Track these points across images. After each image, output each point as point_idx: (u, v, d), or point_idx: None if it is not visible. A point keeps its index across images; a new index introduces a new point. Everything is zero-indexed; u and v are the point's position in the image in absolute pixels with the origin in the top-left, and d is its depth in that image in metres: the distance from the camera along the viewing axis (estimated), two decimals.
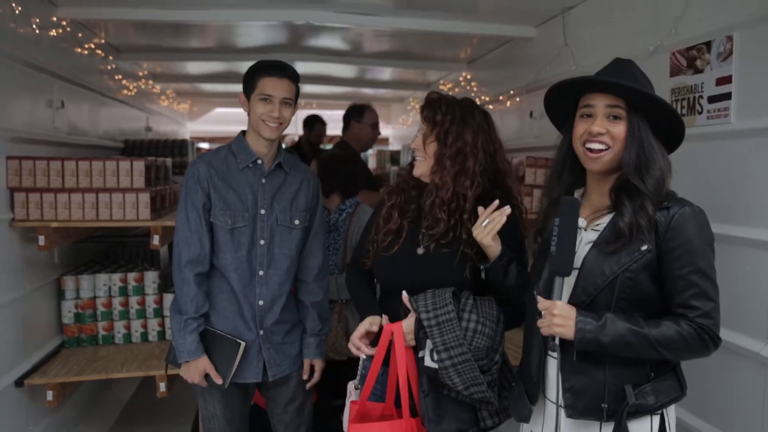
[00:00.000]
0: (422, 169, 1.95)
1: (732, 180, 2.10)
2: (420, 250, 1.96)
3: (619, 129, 1.57)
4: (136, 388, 4.21)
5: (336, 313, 2.94)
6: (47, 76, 3.17)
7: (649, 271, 1.52)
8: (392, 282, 1.97)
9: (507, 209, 1.78)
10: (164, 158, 3.35)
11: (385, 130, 8.77)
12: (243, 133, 2.32)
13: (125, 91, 4.82)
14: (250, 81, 2.22)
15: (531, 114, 3.69)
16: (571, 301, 1.55)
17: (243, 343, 2.23)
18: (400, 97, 7.56)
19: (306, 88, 6.19)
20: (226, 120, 8.25)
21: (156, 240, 2.85)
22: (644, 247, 1.51)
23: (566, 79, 1.69)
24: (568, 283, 1.58)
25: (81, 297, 3.24)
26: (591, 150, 1.58)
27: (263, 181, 2.27)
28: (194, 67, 5.63)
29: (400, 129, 8.20)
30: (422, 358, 1.83)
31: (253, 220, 2.26)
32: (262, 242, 2.27)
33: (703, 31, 2.21)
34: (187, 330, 2.20)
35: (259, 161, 2.26)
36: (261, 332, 2.29)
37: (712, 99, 2.16)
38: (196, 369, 2.22)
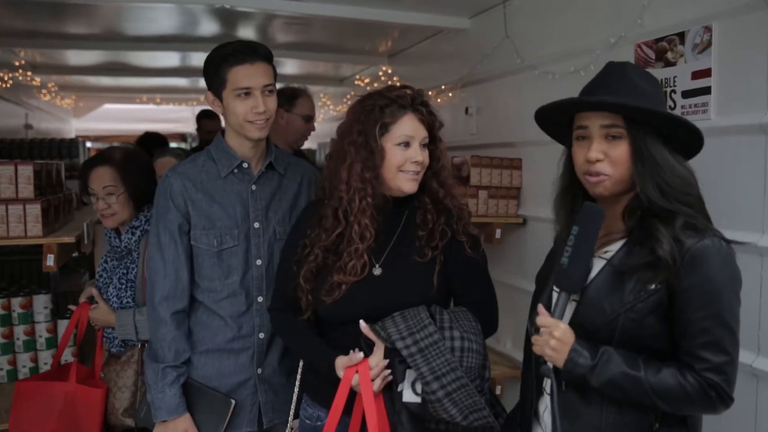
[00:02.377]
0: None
1: (712, 179, 1.95)
2: (377, 271, 1.68)
3: (620, 151, 1.36)
4: None
5: (133, 362, 2.20)
6: None
7: (659, 313, 1.31)
8: (345, 313, 1.65)
9: None
10: (55, 161, 2.84)
11: None
12: (222, 132, 1.94)
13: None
14: (216, 74, 1.83)
15: (467, 110, 3.49)
16: None
17: (234, 402, 1.86)
18: (311, 92, 7.20)
19: (202, 83, 5.64)
20: (117, 117, 7.55)
21: (50, 260, 2.37)
22: (652, 286, 1.31)
23: (550, 103, 1.45)
24: (568, 310, 1.39)
25: None
26: (590, 174, 1.39)
27: (253, 187, 1.90)
28: (78, 57, 5.01)
29: None
30: (401, 393, 1.55)
31: (246, 237, 1.88)
32: (259, 262, 1.89)
33: (674, 22, 2.08)
34: (166, 381, 1.81)
35: (246, 164, 1.89)
36: (259, 371, 1.91)
37: (688, 94, 2.03)
38: (176, 430, 1.82)
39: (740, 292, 1.32)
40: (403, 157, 1.64)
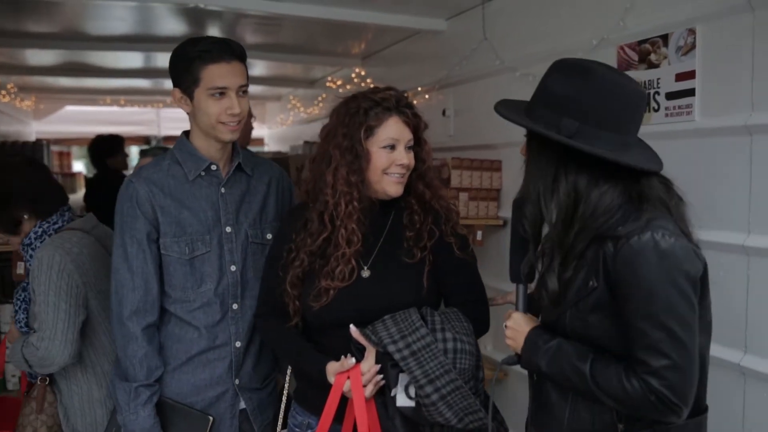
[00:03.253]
0: None
1: (697, 181, 1.98)
2: (365, 273, 1.65)
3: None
4: None
5: (35, 396, 1.98)
6: None
7: (603, 311, 1.27)
8: (334, 318, 1.62)
9: None
10: None
11: (260, 131, 8.29)
12: (186, 134, 1.85)
13: None
14: (187, 71, 1.73)
15: (444, 112, 3.48)
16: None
17: (212, 418, 1.78)
18: (278, 94, 7.12)
19: (166, 84, 5.49)
20: (79, 119, 7.33)
21: (20, 269, 2.26)
22: (590, 283, 1.28)
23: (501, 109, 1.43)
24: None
25: None
26: None
27: (222, 190, 1.82)
28: (38, 57, 4.82)
29: (278, 129, 7.74)
30: (394, 398, 1.52)
31: (219, 243, 1.79)
32: (233, 268, 1.81)
33: (657, 24, 2.09)
34: (139, 402, 1.71)
35: (214, 167, 1.81)
36: (237, 381, 1.83)
37: (672, 95, 2.04)
38: None
39: (690, 287, 1.22)
40: (388, 159, 1.62)
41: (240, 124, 1.78)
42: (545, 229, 1.37)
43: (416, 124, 1.66)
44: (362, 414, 1.53)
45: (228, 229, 1.81)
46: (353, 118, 1.62)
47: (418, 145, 1.68)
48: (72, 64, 4.97)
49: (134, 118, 7.58)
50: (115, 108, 7.15)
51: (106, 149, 4.66)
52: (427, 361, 1.48)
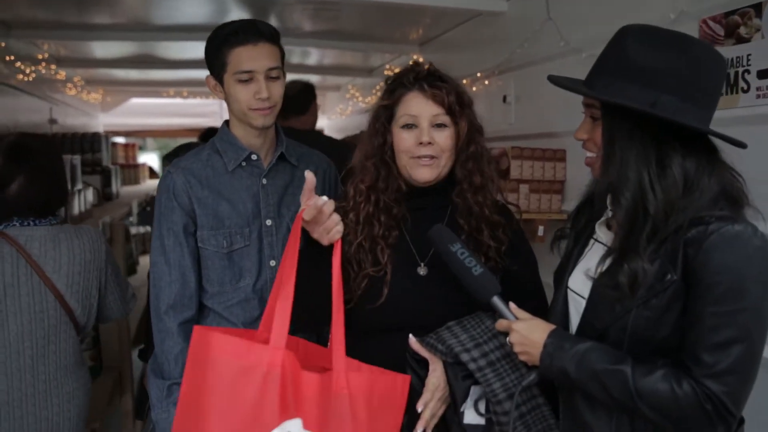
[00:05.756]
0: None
1: None
2: (422, 271, 1.49)
3: (599, 133, 1.22)
4: None
5: None
6: None
7: (677, 309, 1.11)
8: (384, 320, 1.46)
9: None
10: (70, 155, 2.70)
11: (320, 122, 8.23)
12: (227, 123, 1.77)
13: (21, 76, 4.06)
14: (216, 56, 1.67)
15: (504, 99, 3.27)
16: (578, 334, 1.25)
17: None
18: (337, 84, 7.03)
19: None
20: (144, 112, 7.46)
21: None
22: (668, 276, 1.10)
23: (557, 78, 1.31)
24: (577, 311, 1.26)
25: None
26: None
27: (264, 181, 1.73)
28: (104, 49, 4.90)
29: (337, 119, 7.66)
30: (462, 414, 1.35)
31: (258, 236, 1.71)
32: (272, 263, 1.71)
33: None
34: (172, 399, 1.65)
35: (254, 156, 1.72)
36: None
37: (765, 74, 1.78)
38: None
39: None
40: (409, 140, 1.45)
41: (273, 110, 1.69)
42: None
43: (445, 99, 1.46)
44: None
45: (268, 222, 1.72)
46: (380, 100, 1.50)
47: (454, 123, 1.48)
48: (137, 56, 5.03)
49: (197, 110, 7.63)
50: (178, 100, 7.22)
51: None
52: (508, 374, 1.31)
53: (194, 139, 3.83)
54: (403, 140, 1.47)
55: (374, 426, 1.22)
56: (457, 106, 1.47)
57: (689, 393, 1.07)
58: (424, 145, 1.44)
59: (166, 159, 2.49)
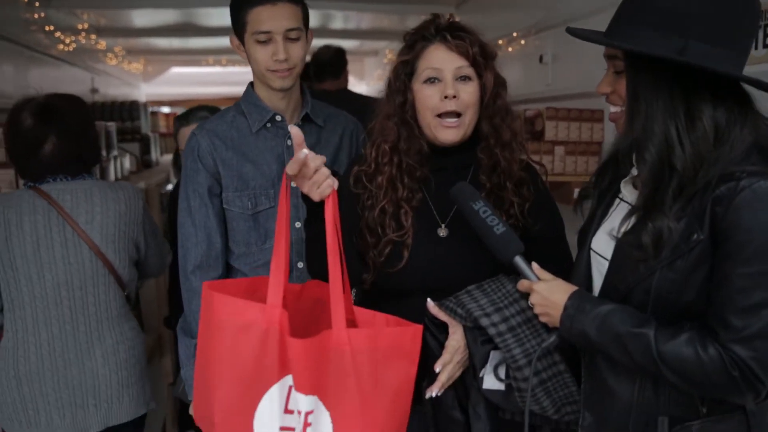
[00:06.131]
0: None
1: None
2: (442, 232, 1.45)
3: (623, 85, 1.13)
4: None
5: None
6: None
7: (704, 271, 1.05)
8: (402, 283, 1.43)
9: None
10: (105, 122, 2.74)
11: (359, 87, 8.19)
12: (252, 84, 1.75)
13: (62, 47, 4.14)
14: (237, 16, 1.64)
15: (541, 58, 3.17)
16: (600, 297, 1.18)
17: None
18: (375, 49, 6.97)
19: None
20: (184, 81, 7.55)
21: None
22: (694, 236, 1.04)
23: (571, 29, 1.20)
24: (600, 272, 1.19)
25: None
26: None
27: (289, 143, 1.70)
28: (143, 18, 4.95)
29: (376, 85, 7.61)
30: (480, 379, 1.33)
31: None
32: (298, 224, 1.68)
33: None
34: None
35: (279, 117, 1.70)
36: None
37: None
38: None
39: None
40: (433, 96, 1.38)
41: (292, 72, 1.65)
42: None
43: (469, 50, 1.39)
44: None
45: (293, 184, 1.70)
46: (399, 56, 1.43)
47: (479, 76, 1.41)
48: (177, 25, 5.07)
49: (236, 78, 7.66)
50: (217, 68, 7.28)
51: None
52: (528, 339, 1.27)
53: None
54: (427, 97, 1.40)
55: (382, 380, 1.19)
56: (482, 57, 1.41)
57: (715, 358, 1.01)
58: (449, 98, 1.38)
59: (177, 121, 2.49)
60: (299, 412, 1.16)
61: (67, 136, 1.85)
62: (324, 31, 5.61)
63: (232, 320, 1.16)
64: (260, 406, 1.16)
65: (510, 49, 3.53)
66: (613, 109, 1.20)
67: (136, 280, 2.00)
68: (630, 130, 1.11)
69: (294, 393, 1.16)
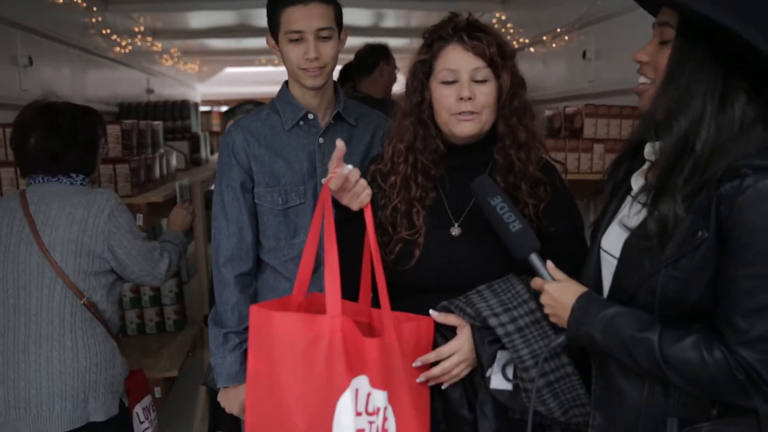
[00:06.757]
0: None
1: None
2: (455, 231, 1.45)
3: (664, 57, 1.08)
4: None
5: None
6: (6, 27, 2.69)
7: (709, 270, 1.03)
8: (413, 281, 1.44)
9: None
10: (152, 121, 2.85)
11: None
12: (286, 83, 1.81)
13: (118, 49, 4.32)
14: (272, 16, 1.71)
15: (584, 54, 3.10)
16: (609, 297, 1.17)
17: None
18: None
19: None
20: (238, 81, 7.74)
21: (140, 220, 2.37)
22: (699, 234, 1.01)
23: None
24: (609, 272, 1.17)
25: None
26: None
27: (320, 140, 1.76)
28: (198, 20, 5.11)
29: None
30: (488, 379, 1.33)
31: (314, 194, 1.74)
32: None
33: None
34: (228, 347, 1.73)
35: (311, 115, 1.75)
36: None
37: None
38: (236, 398, 1.74)
39: None
40: (450, 96, 1.38)
41: (323, 71, 1.69)
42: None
43: (486, 51, 1.38)
44: None
45: (324, 181, 1.74)
46: (417, 55, 1.44)
47: (497, 77, 1.40)
48: (231, 26, 5.18)
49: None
50: (269, 68, 7.42)
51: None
52: (536, 340, 1.28)
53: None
54: (443, 97, 1.40)
55: (411, 370, 1.32)
56: (499, 58, 1.40)
57: (720, 361, 0.99)
58: (464, 100, 1.38)
59: (225, 116, 2.57)
60: (377, 410, 1.24)
61: (51, 134, 1.87)
62: (375, 30, 5.65)
63: (303, 335, 1.22)
64: (336, 412, 1.21)
65: (554, 45, 3.47)
66: (642, 80, 1.15)
67: (109, 288, 1.95)
68: (662, 97, 1.06)
69: (372, 391, 1.23)
